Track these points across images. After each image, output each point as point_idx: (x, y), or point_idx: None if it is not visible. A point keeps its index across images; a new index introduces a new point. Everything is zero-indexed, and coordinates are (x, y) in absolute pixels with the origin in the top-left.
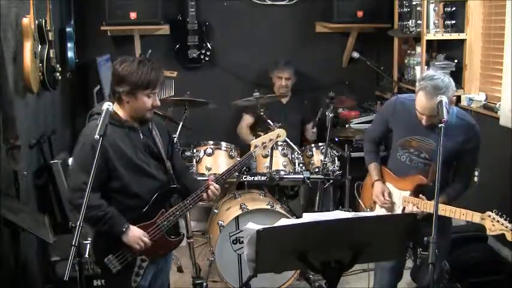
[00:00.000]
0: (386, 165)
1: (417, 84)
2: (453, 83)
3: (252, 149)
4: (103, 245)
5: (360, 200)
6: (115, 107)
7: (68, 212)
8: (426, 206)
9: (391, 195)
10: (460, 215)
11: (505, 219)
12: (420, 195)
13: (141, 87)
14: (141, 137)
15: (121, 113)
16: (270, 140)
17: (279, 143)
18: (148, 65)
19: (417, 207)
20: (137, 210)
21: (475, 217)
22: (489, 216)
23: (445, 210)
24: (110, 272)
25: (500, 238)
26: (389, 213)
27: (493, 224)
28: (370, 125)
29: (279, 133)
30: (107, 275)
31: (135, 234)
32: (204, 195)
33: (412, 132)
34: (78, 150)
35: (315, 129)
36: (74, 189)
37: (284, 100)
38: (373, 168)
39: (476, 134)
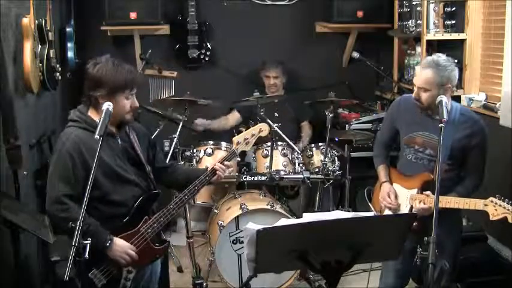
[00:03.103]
0: (396, 166)
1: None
2: (456, 74)
3: (234, 146)
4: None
5: (370, 205)
6: (91, 113)
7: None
8: (432, 201)
9: (398, 197)
10: (464, 204)
11: (508, 203)
12: (425, 192)
13: (119, 89)
14: (120, 142)
15: (98, 118)
16: (252, 135)
17: (279, 143)
18: (123, 65)
19: (424, 203)
20: (119, 218)
21: (478, 204)
22: (491, 201)
23: (450, 202)
24: (95, 286)
25: (500, 238)
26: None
27: (495, 208)
28: (369, 125)
29: (261, 127)
30: None
31: (120, 248)
32: (214, 177)
33: (416, 128)
34: (55, 160)
35: (310, 131)
36: (53, 201)
37: (275, 99)
38: (381, 170)
39: (481, 128)
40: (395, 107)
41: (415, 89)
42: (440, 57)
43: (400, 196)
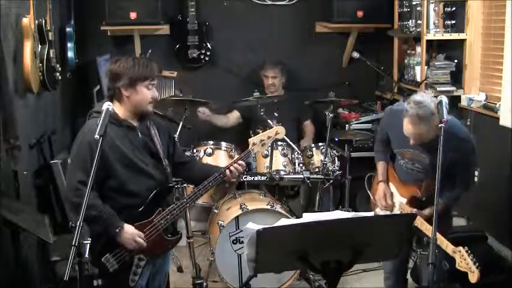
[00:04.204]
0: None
1: (406, 106)
2: (443, 110)
3: (250, 146)
4: (100, 243)
5: (369, 192)
6: (115, 106)
7: (68, 212)
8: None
9: (393, 197)
10: (438, 239)
11: (472, 259)
12: (414, 209)
13: (140, 78)
14: (140, 135)
15: (120, 111)
16: (269, 137)
17: (279, 143)
18: (142, 59)
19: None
20: (134, 209)
21: (448, 248)
22: (460, 251)
23: (428, 230)
24: (107, 271)
25: (500, 238)
26: (389, 213)
27: (461, 260)
28: (369, 125)
29: (277, 130)
30: (104, 274)
31: (129, 234)
32: (227, 171)
33: (405, 145)
34: (76, 148)
35: (313, 130)
36: (70, 187)
37: (275, 99)
38: (379, 166)
39: (467, 147)
40: (385, 118)
41: (411, 138)
42: (422, 106)
43: (394, 197)
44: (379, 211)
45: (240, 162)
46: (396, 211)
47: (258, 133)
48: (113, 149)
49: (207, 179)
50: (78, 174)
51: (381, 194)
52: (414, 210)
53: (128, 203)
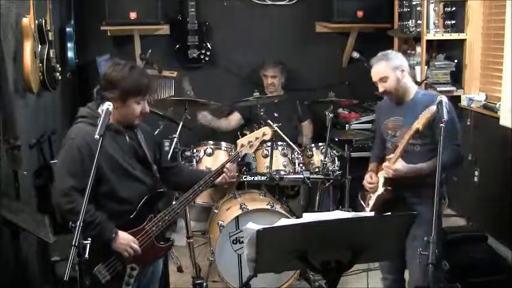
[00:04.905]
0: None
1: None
2: (402, 57)
3: (238, 148)
4: (91, 254)
5: (364, 204)
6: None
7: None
8: (389, 160)
9: (378, 181)
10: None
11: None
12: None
13: (132, 93)
14: (127, 140)
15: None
16: (256, 138)
17: (279, 143)
18: (139, 71)
19: (387, 162)
20: (125, 215)
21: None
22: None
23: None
24: (99, 282)
25: (500, 238)
26: (373, 194)
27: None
28: (369, 125)
29: (264, 131)
30: (95, 285)
31: (124, 240)
32: (219, 178)
33: (387, 116)
34: (64, 154)
35: (311, 131)
36: (62, 194)
37: (275, 99)
38: (371, 165)
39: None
40: (377, 109)
41: (378, 86)
42: (383, 51)
43: (380, 180)
44: (368, 206)
45: (229, 164)
46: (380, 187)
47: (246, 135)
48: (102, 153)
49: (198, 182)
50: (69, 180)
51: (367, 176)
52: (388, 157)
53: (119, 209)
